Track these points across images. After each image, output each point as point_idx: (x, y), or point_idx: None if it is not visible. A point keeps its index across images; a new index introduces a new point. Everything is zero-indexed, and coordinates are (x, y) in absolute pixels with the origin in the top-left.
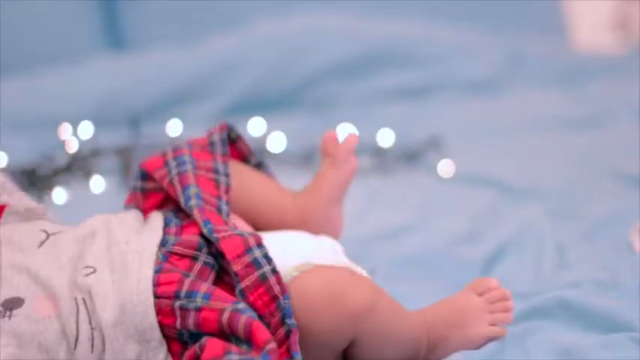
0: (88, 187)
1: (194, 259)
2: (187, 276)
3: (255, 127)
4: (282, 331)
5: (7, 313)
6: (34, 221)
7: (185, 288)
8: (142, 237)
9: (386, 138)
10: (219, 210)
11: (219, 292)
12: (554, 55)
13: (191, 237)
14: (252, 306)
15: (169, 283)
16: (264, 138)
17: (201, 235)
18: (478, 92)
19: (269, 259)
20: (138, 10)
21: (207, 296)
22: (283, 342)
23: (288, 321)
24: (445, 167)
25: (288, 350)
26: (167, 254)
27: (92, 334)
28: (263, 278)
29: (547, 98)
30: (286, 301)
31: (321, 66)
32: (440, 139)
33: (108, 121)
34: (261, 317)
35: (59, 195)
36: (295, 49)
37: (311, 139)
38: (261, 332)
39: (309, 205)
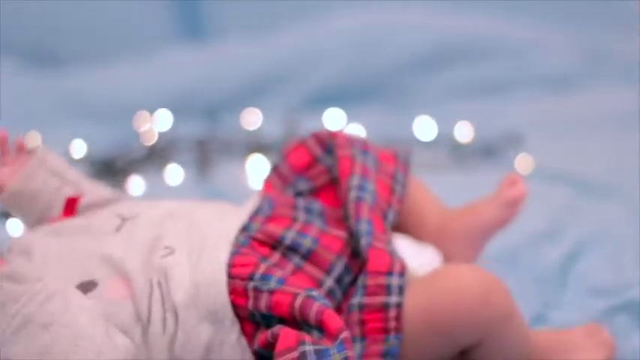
0: (165, 177)
1: (274, 248)
2: (264, 261)
3: (333, 119)
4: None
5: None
6: (110, 207)
7: (260, 271)
8: (224, 222)
9: (464, 132)
10: (384, 217)
11: (295, 280)
12: (634, 51)
13: (275, 229)
14: (361, 322)
15: (245, 265)
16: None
17: (287, 230)
18: (556, 88)
19: (401, 292)
20: (216, 1)
21: (282, 281)
22: None
23: (389, 358)
24: (523, 163)
25: None
26: (249, 239)
27: (164, 316)
28: (386, 307)
29: (626, 95)
30: (395, 341)
31: (399, 59)
32: (518, 135)
33: (185, 112)
34: (363, 336)
35: (137, 185)
36: (373, 41)
37: (387, 134)
38: (334, 321)
39: (452, 225)
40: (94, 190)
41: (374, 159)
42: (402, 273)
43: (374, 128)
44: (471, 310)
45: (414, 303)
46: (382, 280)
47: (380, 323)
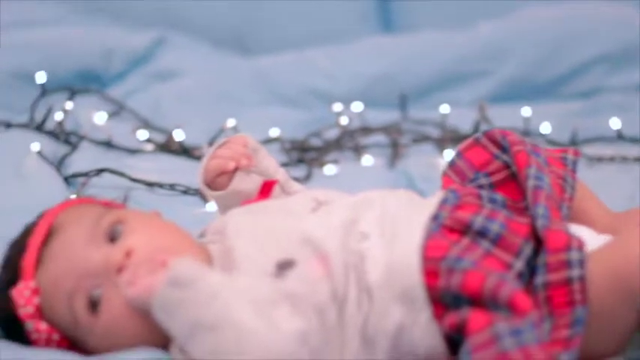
0: (356, 163)
1: (464, 233)
2: (456, 246)
3: (522, 113)
4: (564, 332)
5: (281, 274)
6: (305, 191)
7: (453, 253)
8: (414, 210)
9: None
10: (559, 208)
11: (487, 262)
12: None
13: (464, 215)
14: (547, 299)
15: (438, 247)
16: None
17: (475, 215)
18: None
19: (582, 265)
20: None
21: (474, 263)
22: (559, 341)
23: (577, 327)
24: None
25: (565, 346)
26: (439, 226)
27: (359, 296)
28: (570, 280)
29: None
30: (583, 313)
31: (590, 53)
32: None
33: (377, 101)
34: (551, 313)
35: (328, 170)
36: (564, 35)
37: (576, 127)
38: (524, 302)
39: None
40: (296, 187)
41: (544, 160)
42: (581, 248)
43: (561, 122)
44: None
45: (597, 270)
46: (562, 256)
47: (565, 297)
